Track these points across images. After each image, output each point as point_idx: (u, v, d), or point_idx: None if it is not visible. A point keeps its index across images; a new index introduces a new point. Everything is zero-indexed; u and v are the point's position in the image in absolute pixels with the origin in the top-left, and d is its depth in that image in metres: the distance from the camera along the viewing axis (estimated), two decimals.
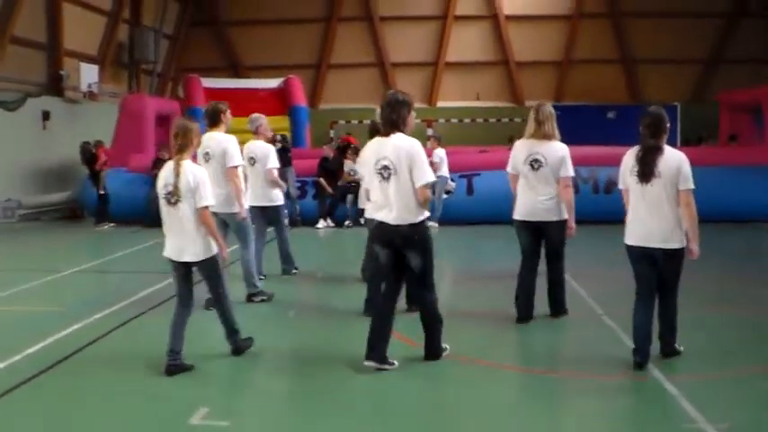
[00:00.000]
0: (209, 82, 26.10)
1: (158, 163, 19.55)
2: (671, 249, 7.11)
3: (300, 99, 26.76)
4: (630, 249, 7.37)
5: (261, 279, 11.37)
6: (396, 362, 7.25)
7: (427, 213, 7.23)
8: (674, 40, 31.39)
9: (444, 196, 18.27)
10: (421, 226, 7.15)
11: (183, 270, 7.51)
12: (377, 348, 7.20)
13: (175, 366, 7.22)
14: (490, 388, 6.85)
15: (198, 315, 8.07)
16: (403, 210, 7.07)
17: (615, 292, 10.22)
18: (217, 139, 9.60)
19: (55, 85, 23.56)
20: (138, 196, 19.26)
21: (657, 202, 7.12)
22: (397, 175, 7.02)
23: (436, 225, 17.92)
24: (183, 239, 7.41)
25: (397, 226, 7.10)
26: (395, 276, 7.43)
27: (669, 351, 7.43)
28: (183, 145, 7.40)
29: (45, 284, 11.80)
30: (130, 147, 20.96)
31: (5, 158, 21.08)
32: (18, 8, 21.58)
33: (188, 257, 7.42)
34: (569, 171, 8.88)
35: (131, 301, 10.36)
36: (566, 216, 8.93)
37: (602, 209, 16.42)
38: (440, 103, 32.90)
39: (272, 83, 26.69)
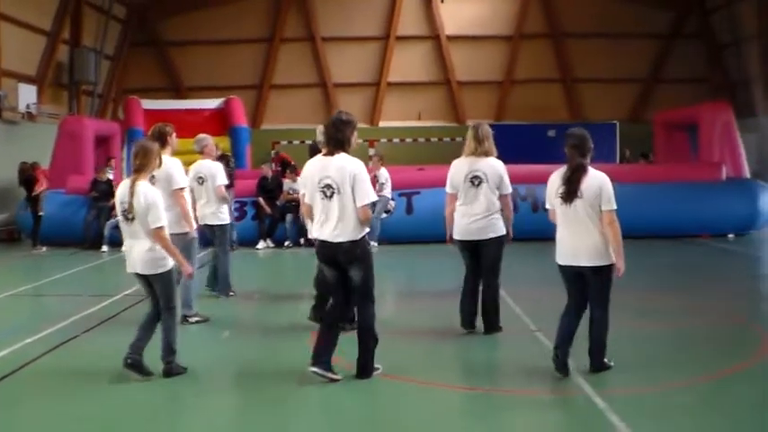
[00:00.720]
0: (149, 103, 25.92)
1: (96, 185, 19.41)
2: (597, 266, 7.31)
3: (241, 119, 26.62)
4: (561, 268, 7.60)
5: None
6: (340, 376, 7.38)
7: (368, 230, 7.40)
8: (613, 60, 31.82)
9: (383, 215, 18.32)
10: (362, 242, 7.32)
11: (143, 281, 7.75)
12: (323, 355, 7.36)
13: (133, 361, 7.55)
14: (423, 405, 6.91)
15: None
16: (344, 227, 7.24)
17: (549, 309, 10.21)
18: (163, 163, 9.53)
19: None
20: (75, 218, 19.09)
21: (582, 222, 7.32)
22: (340, 194, 7.20)
23: (376, 244, 17.99)
24: (137, 253, 7.58)
25: (339, 243, 7.25)
26: (342, 293, 7.58)
27: (599, 366, 7.54)
28: (142, 165, 7.64)
29: None
30: (69, 168, 20.73)
31: None
32: None
33: (140, 269, 7.62)
34: (509, 188, 9.19)
35: (65, 324, 10.22)
36: (500, 233, 9.13)
37: (540, 227, 16.56)
38: (382, 123, 32.96)
39: (213, 103, 26.59)
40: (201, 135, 12.07)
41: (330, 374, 7.34)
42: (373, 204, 7.56)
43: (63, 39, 27.28)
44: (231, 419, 6.76)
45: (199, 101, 27.74)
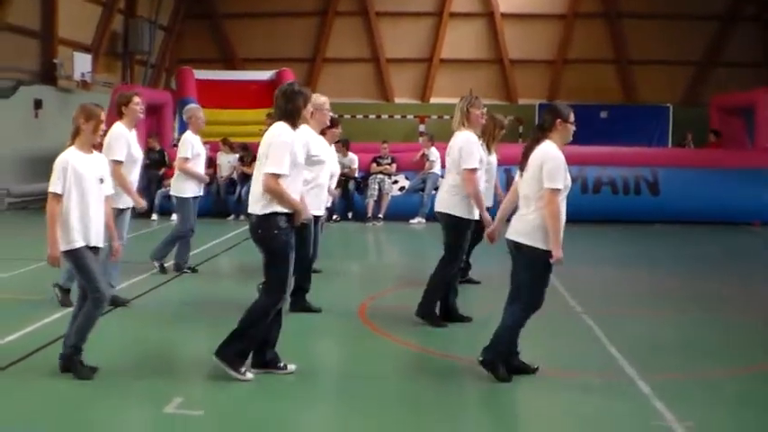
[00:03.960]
0: (201, 74, 26.00)
1: (148, 153, 19.56)
2: (520, 243, 6.69)
3: None
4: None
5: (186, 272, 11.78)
6: (287, 365, 6.89)
7: (278, 208, 6.54)
8: (669, 42, 31.30)
9: (433, 192, 18.36)
10: (267, 220, 6.57)
11: None
12: (256, 352, 6.83)
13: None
14: (464, 384, 6.92)
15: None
16: (253, 198, 6.66)
17: (596, 291, 10.26)
18: (108, 132, 9.10)
19: (48, 74, 23.54)
20: None
21: (523, 196, 6.81)
22: (260, 162, 6.62)
23: (423, 220, 18.08)
24: None
25: (249, 215, 6.75)
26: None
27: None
28: (74, 130, 7.15)
29: (30, 273, 11.76)
30: None
31: None
32: None
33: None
34: (468, 162, 8.55)
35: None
36: (457, 213, 8.58)
37: (590, 209, 16.54)
38: (433, 100, 32.79)
39: (265, 75, 26.60)
40: (189, 105, 11.92)
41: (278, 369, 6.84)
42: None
43: (118, 8, 27.63)
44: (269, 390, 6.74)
45: (251, 72, 27.79)
